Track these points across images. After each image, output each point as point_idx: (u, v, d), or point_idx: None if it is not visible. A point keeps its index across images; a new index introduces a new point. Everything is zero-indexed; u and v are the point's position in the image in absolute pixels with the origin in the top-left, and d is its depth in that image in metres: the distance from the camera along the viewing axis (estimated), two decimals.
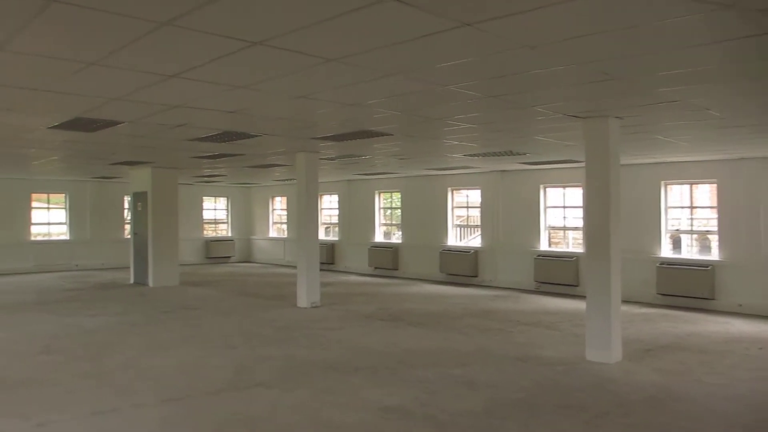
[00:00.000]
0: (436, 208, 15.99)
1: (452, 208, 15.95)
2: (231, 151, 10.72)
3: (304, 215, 11.01)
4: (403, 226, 16.97)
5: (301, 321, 9.51)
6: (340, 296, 12.43)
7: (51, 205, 18.65)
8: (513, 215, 14.43)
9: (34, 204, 18.02)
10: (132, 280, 14.71)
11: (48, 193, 18.33)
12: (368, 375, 6.32)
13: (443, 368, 6.65)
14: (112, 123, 7.55)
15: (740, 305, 10.63)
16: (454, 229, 16.02)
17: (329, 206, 19.71)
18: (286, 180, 18.78)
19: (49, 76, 5.24)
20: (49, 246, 18.07)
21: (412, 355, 7.25)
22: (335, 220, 19.24)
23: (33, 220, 17.95)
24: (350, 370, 6.49)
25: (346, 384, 5.98)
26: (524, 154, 10.93)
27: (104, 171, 15.10)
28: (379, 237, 17.75)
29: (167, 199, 14.15)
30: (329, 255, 18.47)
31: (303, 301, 10.92)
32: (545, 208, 14.04)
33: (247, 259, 21.85)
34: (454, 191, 15.95)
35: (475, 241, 16.32)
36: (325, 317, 9.89)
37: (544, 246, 13.96)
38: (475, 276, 14.90)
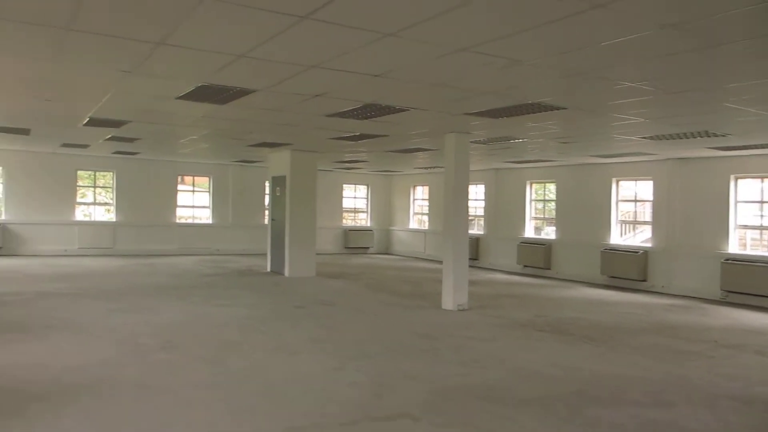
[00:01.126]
0: (598, 201, 14.05)
1: (617, 202, 13.93)
2: (373, 131, 9.62)
3: (452, 205, 9.68)
4: (558, 220, 15.16)
5: (447, 327, 8.20)
6: (488, 298, 10.99)
7: (196, 189, 18.77)
8: (694, 211, 12.22)
9: (180, 187, 18.19)
10: (269, 268, 14.19)
11: (193, 175, 18.44)
12: (540, 412, 4.88)
13: (637, 407, 5.05)
14: (242, 92, 6.64)
15: None
16: (619, 225, 13.99)
17: (474, 197, 18.24)
18: (429, 168, 17.58)
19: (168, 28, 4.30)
20: (193, 229, 18.17)
21: (591, 384, 5.69)
22: (480, 212, 17.75)
23: (179, 203, 18.12)
24: (515, 403, 5.08)
25: (513, 424, 4.58)
26: (724, 135, 8.87)
27: (245, 153, 14.70)
28: (529, 232, 16.05)
29: (306, 184, 13.41)
30: (473, 250, 16.98)
31: (448, 302, 9.62)
32: (736, 202, 11.71)
33: (386, 251, 20.97)
34: (620, 182, 13.91)
35: (643, 239, 14.18)
36: (474, 324, 8.52)
37: (733, 248, 11.65)
38: (644, 280, 12.85)
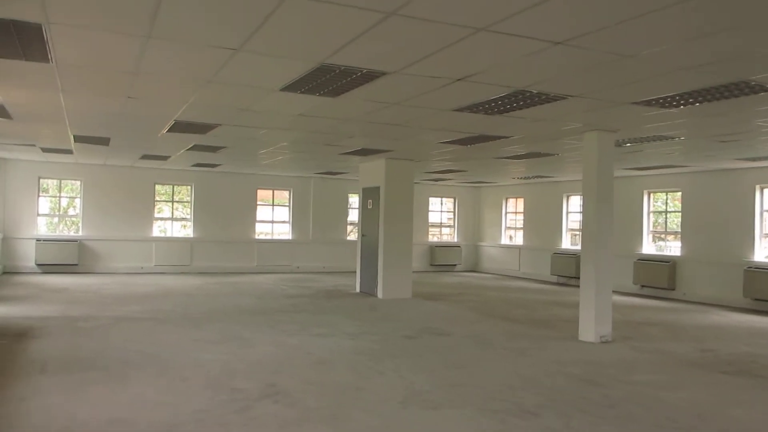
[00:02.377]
0: (738, 212, 12.12)
1: (762, 212, 11.97)
2: (496, 131, 8.19)
3: (592, 218, 8.11)
4: (684, 234, 13.27)
5: (604, 367, 6.60)
6: (625, 326, 9.29)
7: (276, 203, 17.74)
8: None
9: (259, 201, 17.19)
10: (358, 289, 12.88)
11: (273, 189, 17.42)
12: None
13: None
14: (368, 76, 5.33)
15: None
16: (766, 239, 12.02)
17: (577, 209, 16.49)
18: (525, 178, 15.97)
19: None
20: (272, 245, 17.12)
21: None
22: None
23: (258, 218, 17.12)
24: None
25: None
26: None
27: (332, 164, 13.51)
28: (647, 248, 14.20)
29: (402, 195, 12.07)
30: (576, 267, 15.28)
31: (588, 333, 8.01)
32: None
33: (474, 268, 19.40)
34: (765, 189, 11.96)
35: None
36: (635, 363, 6.89)
37: None
38: None
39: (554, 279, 16.22)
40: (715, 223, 12.51)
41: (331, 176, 16.81)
